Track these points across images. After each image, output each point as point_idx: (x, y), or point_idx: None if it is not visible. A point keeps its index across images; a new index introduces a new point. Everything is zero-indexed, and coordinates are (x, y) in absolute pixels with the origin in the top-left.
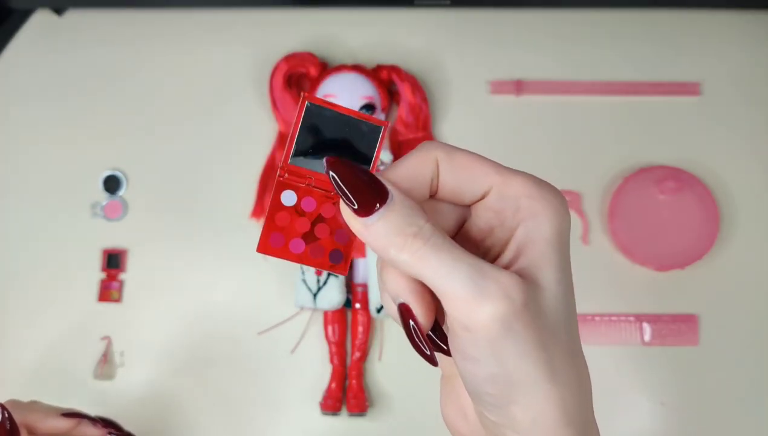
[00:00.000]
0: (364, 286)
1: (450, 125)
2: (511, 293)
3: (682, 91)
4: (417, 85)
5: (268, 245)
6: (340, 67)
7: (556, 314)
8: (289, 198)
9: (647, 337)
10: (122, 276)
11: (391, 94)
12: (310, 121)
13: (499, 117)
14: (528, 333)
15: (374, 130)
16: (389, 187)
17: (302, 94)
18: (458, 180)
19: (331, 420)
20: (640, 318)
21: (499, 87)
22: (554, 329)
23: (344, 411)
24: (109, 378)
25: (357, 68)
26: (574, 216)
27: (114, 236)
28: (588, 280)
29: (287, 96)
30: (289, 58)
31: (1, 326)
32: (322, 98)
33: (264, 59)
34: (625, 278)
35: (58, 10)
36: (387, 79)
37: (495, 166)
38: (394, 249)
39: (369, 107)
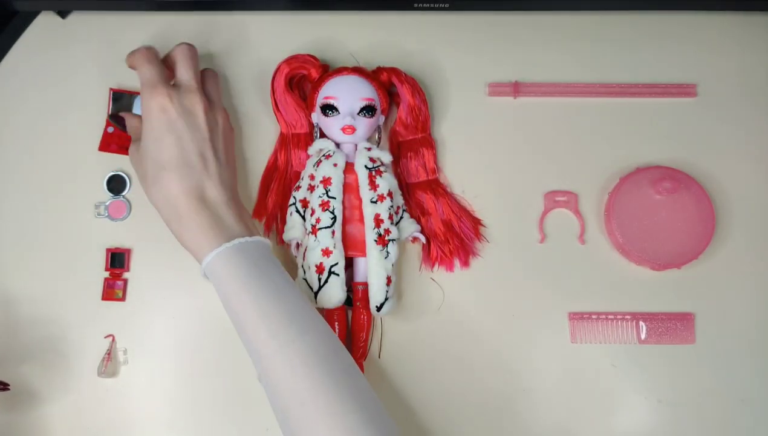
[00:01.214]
0: (365, 284)
1: (448, 126)
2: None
3: (678, 93)
4: (417, 87)
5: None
6: (341, 69)
7: (145, 153)
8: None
9: (644, 335)
10: (126, 275)
11: (390, 95)
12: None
13: (497, 118)
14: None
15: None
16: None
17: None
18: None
19: None
20: (636, 316)
21: (497, 89)
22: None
23: None
24: (112, 376)
25: (357, 70)
26: (572, 217)
27: (118, 236)
28: (585, 279)
29: (289, 97)
30: (291, 60)
31: (6, 326)
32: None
33: (266, 61)
34: (621, 277)
35: (62, 13)
36: (387, 81)
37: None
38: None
39: (369, 109)
